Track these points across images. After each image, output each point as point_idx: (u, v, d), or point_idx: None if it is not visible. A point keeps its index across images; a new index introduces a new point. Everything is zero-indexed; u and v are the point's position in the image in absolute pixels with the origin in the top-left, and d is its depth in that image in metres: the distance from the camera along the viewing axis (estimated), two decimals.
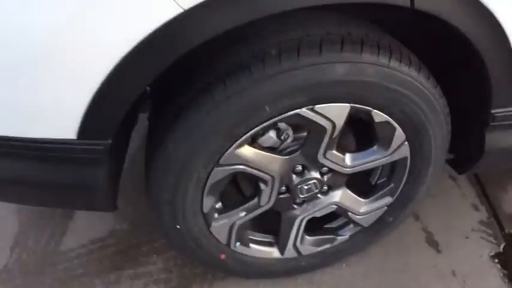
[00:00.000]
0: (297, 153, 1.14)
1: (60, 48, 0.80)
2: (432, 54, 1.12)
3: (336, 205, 1.29)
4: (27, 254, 1.55)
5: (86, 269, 1.51)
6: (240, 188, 1.32)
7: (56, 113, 0.89)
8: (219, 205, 1.21)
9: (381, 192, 1.30)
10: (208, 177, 1.09)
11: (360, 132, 1.24)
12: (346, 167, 1.19)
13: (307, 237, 1.37)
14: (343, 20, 1.03)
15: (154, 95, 1.24)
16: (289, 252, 1.36)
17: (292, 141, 1.16)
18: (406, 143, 1.16)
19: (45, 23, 0.78)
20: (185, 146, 1.02)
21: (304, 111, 1.01)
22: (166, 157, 1.04)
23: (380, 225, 1.38)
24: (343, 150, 1.19)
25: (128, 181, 1.32)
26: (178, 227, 1.17)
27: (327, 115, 1.04)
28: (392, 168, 1.26)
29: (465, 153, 1.29)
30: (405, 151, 1.18)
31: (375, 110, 1.06)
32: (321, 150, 1.12)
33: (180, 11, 0.77)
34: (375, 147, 1.17)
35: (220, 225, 1.23)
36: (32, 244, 1.58)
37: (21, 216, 1.65)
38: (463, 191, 1.75)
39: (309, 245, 1.38)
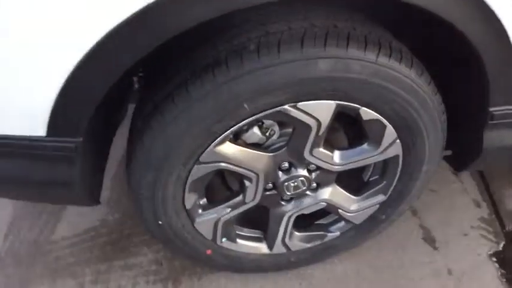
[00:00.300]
0: (282, 150, 1.10)
1: (24, 45, 0.77)
2: (428, 50, 1.05)
3: (326, 202, 1.25)
4: (20, 243, 1.56)
5: (77, 258, 1.52)
6: (227, 182, 1.29)
7: (25, 110, 0.86)
8: (203, 201, 1.19)
9: (373, 190, 1.26)
10: (188, 175, 1.06)
11: (351, 128, 1.19)
12: (334, 165, 1.14)
13: (297, 233, 1.34)
14: (331, 11, 0.97)
15: (141, 87, 1.21)
16: (278, 248, 1.34)
17: (278, 138, 1.12)
18: (398, 141, 1.11)
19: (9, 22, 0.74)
20: (162, 143, 0.98)
21: (286, 108, 0.96)
22: (144, 153, 1.01)
23: (372, 223, 1.34)
24: (333, 146, 1.14)
25: (123, 172, 1.30)
26: (160, 223, 1.15)
27: (311, 113, 0.99)
28: (385, 165, 1.21)
29: (463, 150, 1.23)
30: (397, 149, 1.13)
31: (363, 108, 1.01)
32: (307, 148, 1.08)
33: (149, 1, 0.73)
34: (364, 145, 1.12)
35: (204, 221, 1.20)
36: (25, 232, 1.59)
37: (16, 204, 1.65)
38: (465, 186, 1.68)
39: (298, 241, 1.35)
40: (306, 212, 1.27)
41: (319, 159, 1.12)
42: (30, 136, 0.88)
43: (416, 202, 1.54)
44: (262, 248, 1.34)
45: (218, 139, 1.00)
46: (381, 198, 1.26)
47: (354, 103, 0.99)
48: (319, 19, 0.93)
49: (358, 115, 1.03)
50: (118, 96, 1.14)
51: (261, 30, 0.91)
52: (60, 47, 0.78)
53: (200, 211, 1.19)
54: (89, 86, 0.83)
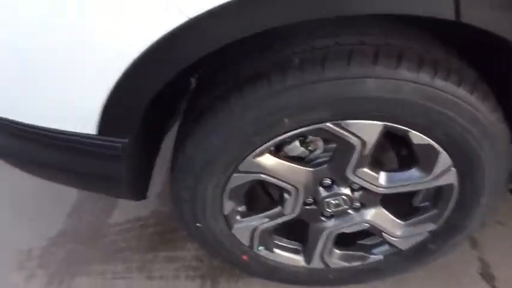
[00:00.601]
0: (324, 166, 1.06)
1: (76, 50, 0.82)
2: (498, 75, 0.94)
3: (369, 223, 1.19)
4: (81, 223, 1.70)
5: (128, 244, 1.61)
6: (269, 191, 1.28)
7: (78, 109, 0.92)
8: (242, 208, 1.19)
9: (422, 217, 1.17)
10: (227, 182, 1.06)
11: (403, 149, 1.12)
12: (379, 187, 1.08)
13: (337, 250, 1.29)
14: (385, 28, 0.91)
15: (192, 90, 1.24)
16: (316, 263, 1.30)
17: (322, 152, 1.08)
18: (453, 169, 1.01)
19: (65, 28, 0.80)
20: (203, 150, 1.00)
21: (328, 125, 0.93)
22: (185, 159, 1.03)
23: (421, 252, 1.25)
24: (379, 166, 1.08)
25: None
26: (198, 225, 1.18)
27: (356, 132, 0.94)
28: (437, 193, 1.12)
29: None
30: (451, 178, 1.03)
31: (413, 131, 0.94)
32: (350, 167, 1.03)
33: (185, 19, 0.74)
34: (414, 170, 1.04)
35: (242, 228, 1.21)
36: (86, 214, 1.72)
37: None
38: None
39: (337, 258, 1.30)
40: (347, 231, 1.22)
41: (363, 179, 1.06)
42: (82, 133, 0.95)
43: (478, 233, 1.41)
44: (300, 260, 1.31)
45: (257, 150, 0.99)
46: (430, 227, 1.17)
47: (404, 126, 0.93)
48: (370, 35, 0.88)
49: (408, 138, 0.96)
50: (171, 98, 1.18)
51: (306, 45, 0.88)
52: (112, 50, 0.82)
53: (238, 218, 1.19)
54: (136, 91, 0.86)
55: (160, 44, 0.77)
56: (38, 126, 0.97)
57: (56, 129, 0.96)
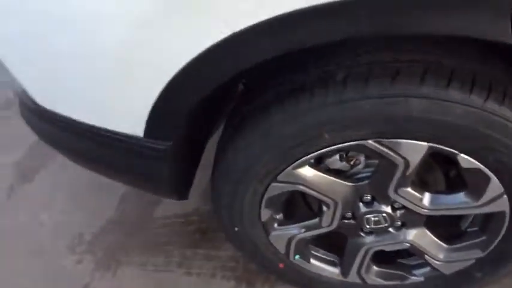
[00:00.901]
0: (365, 182, 1.04)
1: (127, 61, 0.87)
2: None
3: (410, 244, 1.15)
4: (128, 214, 1.78)
5: (169, 238, 1.67)
6: (308, 201, 1.27)
7: (127, 112, 0.97)
8: (279, 216, 1.19)
9: (469, 243, 1.11)
10: (265, 191, 1.07)
11: (451, 170, 1.06)
12: (423, 208, 1.03)
13: (375, 267, 1.26)
14: (436, 45, 0.86)
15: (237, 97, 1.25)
16: (353, 277, 1.27)
17: (364, 168, 1.06)
18: (505, 196, 0.95)
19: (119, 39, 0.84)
20: (243, 158, 1.01)
21: (369, 143, 0.90)
22: (225, 165, 1.06)
23: (465, 278, 1.18)
24: (425, 187, 1.03)
25: None
26: (236, 229, 1.20)
27: (398, 151, 0.91)
28: (487, 219, 1.05)
29: None
30: (503, 205, 0.97)
31: (462, 155, 0.89)
32: (392, 186, 1.00)
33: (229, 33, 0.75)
34: (462, 194, 0.99)
35: (278, 236, 1.21)
36: (133, 206, 1.81)
37: None
38: None
39: (375, 276, 1.26)
40: (388, 249, 1.19)
41: (406, 199, 1.02)
42: (130, 134, 1.00)
43: None
44: (336, 273, 1.29)
45: (297, 162, 0.99)
46: (477, 253, 1.10)
47: (451, 148, 0.88)
48: (420, 52, 0.84)
49: (456, 161, 0.91)
50: (218, 101, 1.20)
51: (352, 60, 0.86)
52: (161, 60, 0.85)
53: (275, 225, 1.19)
54: (180, 98, 0.90)
55: (207, 55, 0.79)
56: (94, 126, 1.03)
57: (109, 129, 1.02)
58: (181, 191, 1.20)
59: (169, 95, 0.86)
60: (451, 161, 0.97)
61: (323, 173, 1.03)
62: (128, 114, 0.98)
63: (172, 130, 0.97)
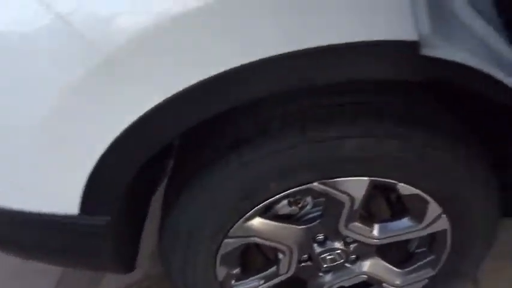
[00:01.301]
0: (316, 223, 1.05)
1: (56, 132, 0.82)
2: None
3: (367, 275, 1.16)
4: None
5: None
6: (263, 250, 1.25)
7: (59, 191, 0.90)
8: (236, 271, 1.15)
9: (420, 263, 1.15)
10: (219, 248, 1.04)
11: (393, 200, 1.11)
12: (373, 238, 1.06)
13: None
14: (366, 84, 0.92)
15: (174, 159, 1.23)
16: None
17: (312, 208, 1.07)
18: (444, 215, 1.01)
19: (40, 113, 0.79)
20: (190, 218, 0.98)
21: (315, 185, 0.92)
22: (172, 227, 1.01)
23: None
24: (372, 218, 1.07)
25: None
26: None
27: (343, 189, 0.93)
28: (432, 238, 1.10)
29: None
30: (443, 224, 1.03)
31: (400, 183, 0.94)
32: (342, 222, 1.02)
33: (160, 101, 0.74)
34: (406, 219, 1.04)
35: None
36: (74, 285, 1.65)
37: None
38: None
39: None
40: (347, 284, 1.19)
41: (356, 232, 1.05)
42: (63, 214, 0.92)
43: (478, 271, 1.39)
44: None
45: (246, 215, 0.97)
46: (429, 272, 1.15)
47: (391, 179, 0.93)
48: (351, 94, 0.89)
49: (396, 190, 0.96)
50: (153, 171, 1.16)
51: (286, 108, 0.89)
52: (92, 132, 0.81)
53: (233, 282, 1.15)
54: (116, 171, 0.85)
55: (137, 125, 0.76)
56: (19, 210, 0.94)
57: (37, 212, 0.93)
58: (128, 263, 1.12)
59: (102, 169, 0.82)
60: (392, 191, 1.02)
61: (274, 220, 1.03)
62: (60, 194, 0.91)
63: (110, 204, 0.91)
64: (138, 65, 0.72)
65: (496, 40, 0.79)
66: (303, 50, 0.71)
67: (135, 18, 0.70)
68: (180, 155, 1.10)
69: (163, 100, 0.75)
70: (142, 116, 0.76)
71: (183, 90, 0.73)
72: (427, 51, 0.72)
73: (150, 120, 0.75)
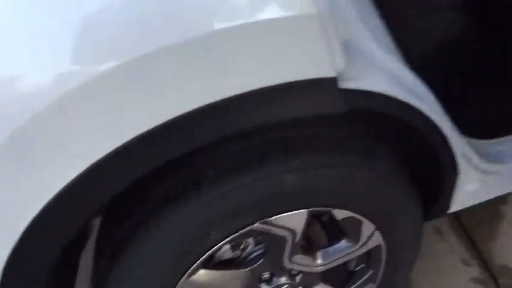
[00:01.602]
0: (260, 262, 1.03)
1: None
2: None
3: None
4: None
5: None
6: None
7: None
8: None
9: (362, 280, 1.19)
10: None
11: (330, 225, 1.14)
12: (317, 266, 1.08)
13: None
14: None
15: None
16: None
17: (255, 246, 1.05)
18: (377, 231, 1.06)
19: None
20: (128, 282, 0.90)
21: (256, 226, 0.91)
22: None
23: None
24: (312, 247, 1.08)
25: None
26: None
27: (284, 225, 0.94)
28: (369, 254, 1.15)
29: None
30: (378, 239, 1.08)
31: (336, 209, 0.97)
32: (286, 257, 1.01)
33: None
34: (343, 241, 1.07)
35: None
36: None
37: None
38: (450, 245, 1.64)
39: None
40: None
41: (301, 264, 1.05)
42: None
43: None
44: None
45: (189, 270, 0.92)
46: (372, 287, 1.20)
47: (328, 207, 0.96)
48: (279, 129, 0.89)
49: (332, 215, 0.99)
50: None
51: (218, 154, 0.87)
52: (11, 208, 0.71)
53: None
54: (38, 250, 0.75)
55: (61, 196, 0.68)
56: None
57: None
58: None
59: (24, 248, 0.71)
60: (326, 217, 1.05)
61: (217, 269, 0.99)
62: None
63: (34, 282, 0.80)
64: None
65: (397, 67, 0.87)
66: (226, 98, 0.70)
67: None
68: (107, 222, 1.00)
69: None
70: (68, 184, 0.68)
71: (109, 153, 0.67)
72: (345, 84, 0.76)
73: (71, 192, 0.68)
